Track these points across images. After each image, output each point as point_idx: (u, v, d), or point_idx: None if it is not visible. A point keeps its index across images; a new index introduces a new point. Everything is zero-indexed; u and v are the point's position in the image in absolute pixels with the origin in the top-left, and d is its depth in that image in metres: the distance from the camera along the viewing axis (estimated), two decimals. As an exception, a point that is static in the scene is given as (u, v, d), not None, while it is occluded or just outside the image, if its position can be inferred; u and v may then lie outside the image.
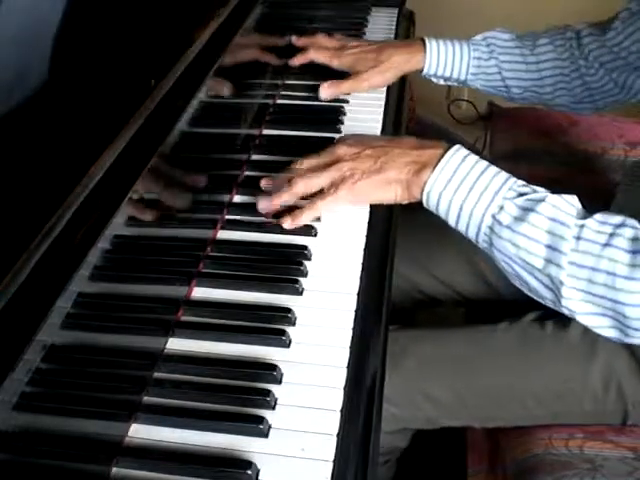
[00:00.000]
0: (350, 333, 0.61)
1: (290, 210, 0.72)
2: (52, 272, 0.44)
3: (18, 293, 0.41)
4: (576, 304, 0.61)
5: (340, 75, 0.98)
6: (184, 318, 0.63)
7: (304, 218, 0.71)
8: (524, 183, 0.64)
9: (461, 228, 0.65)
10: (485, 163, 0.65)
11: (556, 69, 0.93)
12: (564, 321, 0.85)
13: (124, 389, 0.54)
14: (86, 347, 0.50)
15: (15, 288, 0.41)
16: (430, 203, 0.66)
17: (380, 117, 0.91)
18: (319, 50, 0.96)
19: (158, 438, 0.53)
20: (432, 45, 0.94)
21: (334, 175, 0.70)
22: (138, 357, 0.56)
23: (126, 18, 0.62)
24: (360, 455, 0.53)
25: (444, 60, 0.94)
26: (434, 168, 0.65)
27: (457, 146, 0.66)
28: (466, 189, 0.64)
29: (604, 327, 0.62)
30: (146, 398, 0.56)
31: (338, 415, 0.55)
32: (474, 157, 0.66)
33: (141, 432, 0.54)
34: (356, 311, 0.64)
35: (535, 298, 0.65)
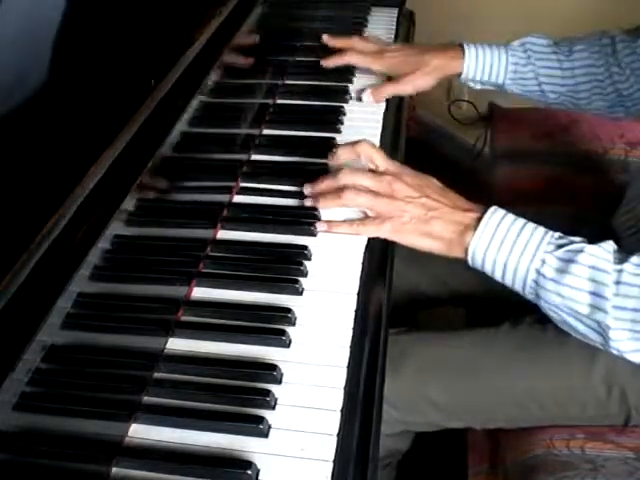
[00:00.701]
0: (350, 333, 0.61)
1: None
2: (52, 272, 0.44)
3: (18, 293, 0.41)
4: (624, 344, 0.64)
5: (343, 73, 0.98)
6: (184, 318, 0.63)
7: (338, 231, 0.72)
8: (560, 235, 0.67)
9: (507, 283, 0.68)
10: (522, 221, 0.68)
11: (591, 75, 0.94)
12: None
13: (124, 389, 0.54)
14: (86, 347, 0.50)
15: (15, 288, 0.41)
16: (475, 263, 0.69)
17: (380, 117, 0.91)
18: (358, 53, 0.97)
19: (158, 438, 0.53)
20: (471, 50, 0.95)
21: (386, 209, 0.71)
22: (138, 357, 0.56)
23: (126, 19, 0.62)
24: (360, 455, 0.53)
25: (482, 65, 0.95)
26: (475, 230, 0.68)
27: (494, 208, 0.69)
28: (508, 248, 0.67)
29: None
30: (146, 398, 0.56)
31: (338, 415, 0.55)
32: (511, 216, 0.68)
33: (141, 432, 0.54)
34: (356, 311, 0.64)
35: (586, 341, 0.68)
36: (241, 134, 0.82)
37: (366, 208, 0.72)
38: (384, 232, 0.71)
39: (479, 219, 0.68)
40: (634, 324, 0.63)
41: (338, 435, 0.53)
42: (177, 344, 0.60)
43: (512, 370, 0.84)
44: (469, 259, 0.69)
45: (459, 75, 0.97)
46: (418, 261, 0.98)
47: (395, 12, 1.18)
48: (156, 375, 0.58)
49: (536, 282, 0.66)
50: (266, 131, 0.88)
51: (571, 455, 0.83)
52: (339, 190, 0.72)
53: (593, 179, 1.15)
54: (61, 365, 0.46)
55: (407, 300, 1.01)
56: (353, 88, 0.97)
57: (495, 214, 0.68)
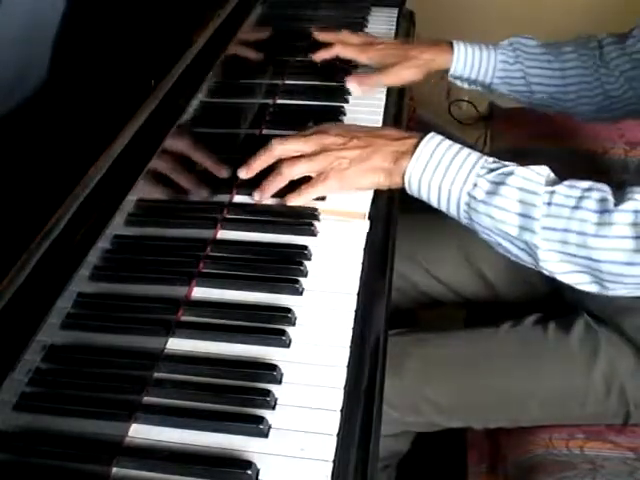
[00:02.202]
0: (350, 333, 0.61)
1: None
2: (52, 272, 0.44)
3: (18, 293, 0.41)
4: (554, 265, 0.64)
5: (343, 73, 0.98)
6: (184, 318, 0.63)
7: (293, 202, 0.74)
8: (495, 160, 0.68)
9: (443, 208, 0.69)
10: (458, 146, 0.69)
11: (579, 77, 0.94)
12: (566, 323, 0.85)
13: (124, 389, 0.54)
14: (86, 347, 0.50)
15: (15, 288, 0.41)
16: (412, 188, 0.70)
17: (380, 117, 0.91)
18: (346, 46, 0.97)
19: (158, 438, 0.53)
20: (460, 47, 0.95)
21: (324, 164, 0.73)
22: (138, 357, 0.56)
23: (126, 18, 0.62)
24: (360, 455, 0.53)
25: (471, 62, 0.95)
26: (412, 155, 0.69)
27: (432, 134, 0.71)
28: (442, 171, 0.68)
29: (585, 283, 0.65)
30: (146, 398, 0.56)
31: (338, 415, 0.55)
32: (448, 142, 0.70)
33: (141, 432, 0.54)
34: (356, 311, 0.64)
35: (521, 263, 0.68)
36: (241, 134, 0.82)
37: (307, 172, 0.73)
38: (331, 185, 0.73)
39: (416, 145, 0.70)
40: (563, 245, 0.63)
41: (338, 435, 0.53)
42: (177, 344, 0.60)
43: (512, 370, 0.84)
44: (406, 185, 0.70)
45: (447, 71, 0.97)
46: (418, 262, 0.98)
47: (395, 12, 1.18)
48: (156, 375, 0.58)
49: (469, 205, 0.67)
50: (266, 131, 0.88)
51: (570, 455, 0.83)
52: (276, 171, 0.73)
53: (593, 179, 1.15)
54: (61, 365, 0.46)
55: (407, 300, 1.01)
56: (353, 88, 0.97)
57: (432, 139, 0.70)
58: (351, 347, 0.60)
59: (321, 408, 0.55)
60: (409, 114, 1.73)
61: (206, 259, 0.68)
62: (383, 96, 0.96)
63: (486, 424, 0.89)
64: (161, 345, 0.60)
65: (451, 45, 0.95)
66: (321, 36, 0.98)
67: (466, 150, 0.69)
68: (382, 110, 0.93)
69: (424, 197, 0.70)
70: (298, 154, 0.74)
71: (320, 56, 0.97)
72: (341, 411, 0.55)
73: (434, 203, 0.69)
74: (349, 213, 0.74)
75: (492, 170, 0.66)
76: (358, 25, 1.13)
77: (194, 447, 0.53)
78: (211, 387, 0.57)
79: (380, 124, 0.90)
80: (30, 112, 0.50)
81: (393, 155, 0.71)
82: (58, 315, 0.44)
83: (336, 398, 0.56)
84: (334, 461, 0.52)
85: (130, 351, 0.55)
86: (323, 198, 0.75)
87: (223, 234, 0.72)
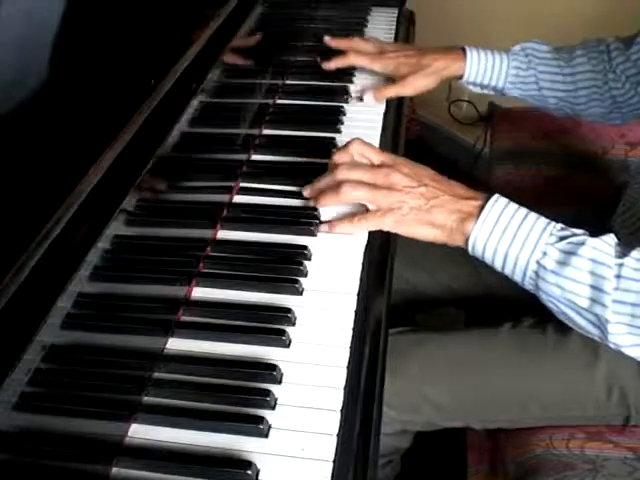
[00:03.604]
0: (350, 333, 0.61)
1: None
2: (52, 272, 0.44)
3: (18, 293, 0.41)
4: (621, 338, 0.64)
5: (343, 73, 0.98)
6: (184, 318, 0.63)
7: (340, 229, 0.72)
8: (563, 226, 0.67)
9: (507, 273, 0.68)
10: (525, 211, 0.68)
11: (590, 81, 0.95)
12: (565, 325, 0.85)
13: (124, 389, 0.54)
14: (86, 347, 0.50)
15: (15, 288, 0.41)
16: (475, 251, 0.69)
17: (380, 117, 0.91)
18: (359, 54, 0.97)
19: (158, 438, 0.53)
20: (472, 53, 0.95)
21: (384, 201, 0.70)
22: (138, 357, 0.56)
23: (126, 18, 0.62)
24: (360, 455, 0.54)
25: (484, 68, 0.95)
26: (477, 218, 0.67)
27: (496, 196, 0.69)
28: (509, 238, 0.66)
29: None
30: (146, 398, 0.56)
31: (338, 415, 0.55)
32: (514, 206, 0.68)
33: (141, 432, 0.54)
34: (356, 311, 0.64)
35: (582, 333, 0.68)
36: (241, 134, 0.82)
37: (365, 201, 0.71)
38: (386, 225, 0.71)
39: (481, 207, 0.68)
40: (633, 319, 0.62)
41: (338, 435, 0.53)
42: (177, 344, 0.60)
43: (512, 371, 0.84)
44: (469, 248, 0.69)
45: (459, 78, 0.97)
46: (417, 263, 0.98)
47: (395, 12, 1.18)
48: (156, 375, 0.58)
49: (536, 273, 0.66)
50: (266, 131, 0.88)
51: (570, 455, 0.83)
52: (336, 186, 0.71)
53: (593, 179, 1.15)
54: (61, 365, 0.46)
55: (406, 301, 1.01)
56: (353, 88, 0.97)
57: (497, 203, 0.68)
58: (351, 347, 0.60)
59: (321, 408, 0.55)
60: (409, 114, 1.73)
61: (206, 259, 0.68)
62: (383, 96, 0.95)
63: (486, 425, 0.89)
64: (161, 345, 0.60)
65: (464, 51, 0.95)
66: (334, 43, 0.99)
67: (533, 215, 0.67)
68: (382, 110, 0.93)
69: (488, 261, 0.68)
70: (362, 181, 0.71)
71: (334, 64, 0.97)
72: (341, 411, 0.55)
73: (498, 267, 0.68)
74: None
75: (562, 238, 0.65)
76: (358, 25, 1.13)
77: (194, 447, 0.53)
78: (211, 387, 0.57)
79: (380, 124, 0.90)
80: (30, 112, 0.50)
81: (457, 215, 0.69)
82: (58, 315, 0.44)
83: (336, 398, 0.56)
84: (334, 461, 0.52)
85: (130, 351, 0.55)
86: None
87: (223, 234, 0.72)
